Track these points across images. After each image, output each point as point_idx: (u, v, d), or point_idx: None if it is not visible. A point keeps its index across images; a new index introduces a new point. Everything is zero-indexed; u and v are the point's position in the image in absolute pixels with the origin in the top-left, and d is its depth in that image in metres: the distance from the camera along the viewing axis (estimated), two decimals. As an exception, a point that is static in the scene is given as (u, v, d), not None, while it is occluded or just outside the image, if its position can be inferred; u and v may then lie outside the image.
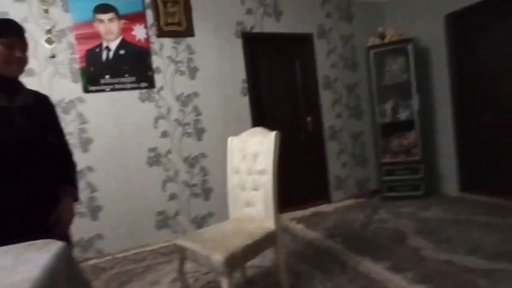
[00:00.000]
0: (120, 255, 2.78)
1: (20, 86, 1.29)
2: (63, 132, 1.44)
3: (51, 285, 0.74)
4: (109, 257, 2.75)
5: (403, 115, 3.67)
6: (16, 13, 2.49)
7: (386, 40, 3.63)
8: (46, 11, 2.66)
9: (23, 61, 1.27)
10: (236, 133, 2.16)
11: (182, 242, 1.73)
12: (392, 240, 2.51)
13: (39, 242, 0.93)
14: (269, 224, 1.81)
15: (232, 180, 2.07)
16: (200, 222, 3.13)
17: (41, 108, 1.34)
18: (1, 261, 0.81)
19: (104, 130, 2.82)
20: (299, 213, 3.49)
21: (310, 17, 3.72)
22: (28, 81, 1.41)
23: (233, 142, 2.12)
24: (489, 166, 3.36)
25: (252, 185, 1.94)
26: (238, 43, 3.35)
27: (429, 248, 2.30)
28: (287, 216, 3.44)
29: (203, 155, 3.18)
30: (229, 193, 2.09)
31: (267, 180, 1.82)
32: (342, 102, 3.91)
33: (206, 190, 3.19)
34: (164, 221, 3.01)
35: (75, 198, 1.39)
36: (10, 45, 1.20)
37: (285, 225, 3.15)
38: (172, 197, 3.04)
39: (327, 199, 3.82)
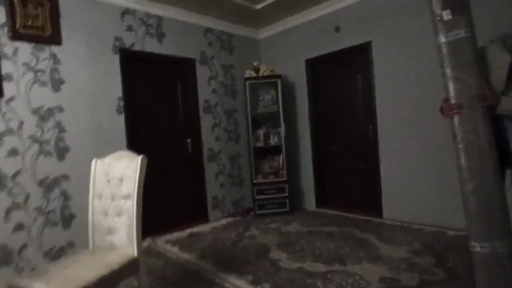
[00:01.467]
0: None
1: None
2: None
3: None
4: None
5: (273, 141, 4.16)
6: None
7: (260, 74, 4.10)
8: None
9: None
10: (109, 153, 2.03)
11: (19, 281, 1.50)
12: (256, 255, 2.77)
13: None
14: (131, 251, 1.76)
15: (94, 205, 1.94)
16: (56, 255, 2.73)
17: None
18: None
19: None
20: (175, 235, 3.46)
21: (193, 43, 3.89)
22: None
23: (97, 165, 1.99)
24: (335, 186, 4.13)
25: (115, 210, 1.86)
26: (115, 59, 3.20)
27: (285, 259, 2.64)
28: (163, 239, 3.36)
29: (65, 177, 2.83)
30: (90, 220, 1.94)
31: (131, 205, 1.78)
32: (222, 126, 4.16)
33: (66, 217, 2.82)
34: (4, 258, 2.49)
35: None
36: None
37: (158, 250, 3.07)
38: (19, 227, 2.57)
39: (204, 219, 3.91)
